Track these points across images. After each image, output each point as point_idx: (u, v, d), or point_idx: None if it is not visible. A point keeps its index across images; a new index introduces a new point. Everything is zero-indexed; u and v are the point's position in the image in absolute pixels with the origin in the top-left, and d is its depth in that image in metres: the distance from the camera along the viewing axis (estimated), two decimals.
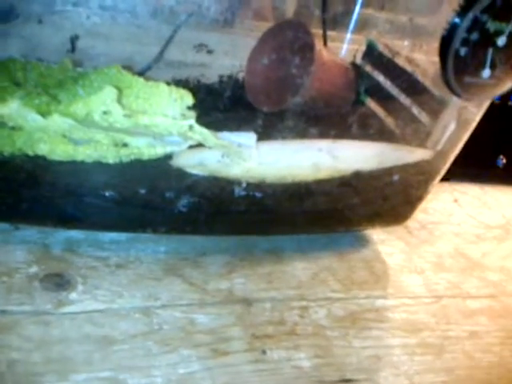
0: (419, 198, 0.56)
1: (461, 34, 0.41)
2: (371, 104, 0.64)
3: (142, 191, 0.46)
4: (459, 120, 0.53)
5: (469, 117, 0.52)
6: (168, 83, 0.48)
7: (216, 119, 0.55)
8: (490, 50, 0.42)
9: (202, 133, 0.44)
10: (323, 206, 0.52)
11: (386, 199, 0.54)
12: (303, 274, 0.51)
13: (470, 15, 0.40)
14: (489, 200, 0.77)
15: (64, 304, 0.42)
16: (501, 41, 0.42)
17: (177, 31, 0.62)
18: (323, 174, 0.50)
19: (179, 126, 0.44)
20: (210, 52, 0.66)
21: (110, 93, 0.42)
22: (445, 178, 0.76)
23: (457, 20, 0.41)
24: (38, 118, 0.43)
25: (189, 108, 0.49)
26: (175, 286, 0.47)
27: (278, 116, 0.57)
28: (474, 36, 0.41)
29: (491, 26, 0.41)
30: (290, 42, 0.63)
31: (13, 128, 0.43)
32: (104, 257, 0.48)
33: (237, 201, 0.48)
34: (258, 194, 0.48)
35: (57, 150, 0.44)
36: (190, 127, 0.43)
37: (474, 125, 0.52)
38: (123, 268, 0.47)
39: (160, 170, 0.47)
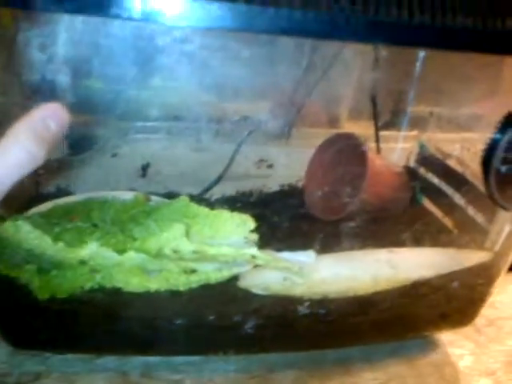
0: (482, 299, 0.56)
1: (500, 153, 0.43)
2: (428, 206, 0.66)
3: (211, 315, 0.48)
4: None
5: None
6: (232, 209, 0.52)
7: (276, 235, 0.57)
8: None
9: (263, 258, 0.47)
10: (386, 315, 0.53)
11: (448, 303, 0.54)
12: None
13: (508, 136, 0.42)
14: None
15: None
16: None
17: (237, 150, 0.67)
18: (383, 286, 0.51)
19: (243, 255, 0.47)
20: (269, 166, 0.71)
21: (179, 229, 0.46)
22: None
23: (495, 141, 0.43)
24: (115, 255, 0.47)
25: (251, 231, 0.52)
26: None
27: (335, 226, 0.59)
28: None
29: None
30: (342, 153, 0.67)
31: (92, 266, 0.48)
32: (178, 379, 0.50)
33: (301, 319, 0.50)
34: (322, 311, 0.50)
35: (132, 282, 0.48)
36: (253, 256, 0.46)
37: None
38: None
39: (227, 292, 0.49)
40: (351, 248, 0.54)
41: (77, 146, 0.62)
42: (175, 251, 0.46)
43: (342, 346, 0.54)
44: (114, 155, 0.65)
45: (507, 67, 0.50)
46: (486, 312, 0.64)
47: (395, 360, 0.56)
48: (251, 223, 0.52)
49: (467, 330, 0.61)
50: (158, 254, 0.47)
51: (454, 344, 0.59)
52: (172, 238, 0.46)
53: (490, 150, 0.43)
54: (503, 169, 0.44)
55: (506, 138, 0.43)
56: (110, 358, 0.51)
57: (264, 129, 0.68)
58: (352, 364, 0.54)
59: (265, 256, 0.47)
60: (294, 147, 0.71)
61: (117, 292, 0.48)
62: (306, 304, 0.49)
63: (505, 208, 0.47)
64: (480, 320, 0.63)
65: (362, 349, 0.56)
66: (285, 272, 0.49)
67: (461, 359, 0.57)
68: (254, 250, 0.46)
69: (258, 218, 0.53)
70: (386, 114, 0.73)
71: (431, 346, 0.59)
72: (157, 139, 0.66)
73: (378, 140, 0.72)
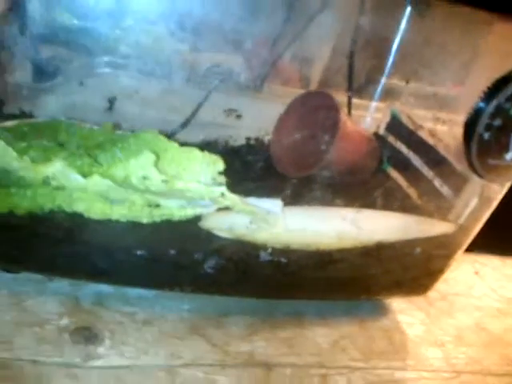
0: (440, 271, 0.57)
1: (485, 119, 0.43)
2: (394, 174, 0.66)
3: (172, 251, 0.48)
4: (482, 196, 0.54)
5: (491, 194, 0.54)
6: (201, 148, 0.51)
7: (244, 183, 0.57)
8: None
9: (232, 199, 0.47)
10: (345, 273, 0.53)
11: (407, 270, 0.55)
12: (324, 341, 0.52)
13: (494, 103, 0.42)
14: (509, 272, 0.77)
15: (92, 358, 0.43)
16: None
17: (208, 96, 0.66)
18: (346, 244, 0.51)
19: (211, 192, 0.46)
20: (238, 117, 0.69)
21: (148, 158, 0.45)
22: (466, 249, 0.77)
23: (481, 106, 0.43)
24: (79, 178, 0.45)
25: (220, 173, 0.51)
26: (198, 346, 0.48)
27: (303, 182, 0.59)
28: (497, 122, 0.43)
29: None
30: (316, 111, 0.66)
31: (55, 186, 0.46)
32: (131, 312, 0.49)
33: (262, 265, 0.49)
34: (283, 260, 0.50)
35: (94, 209, 0.47)
36: (222, 194, 0.45)
37: (496, 202, 0.54)
38: (149, 325, 0.48)
39: (189, 231, 0.49)
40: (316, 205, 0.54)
41: (43, 74, 0.60)
42: (144, 177, 0.45)
43: (298, 297, 0.55)
44: (80, 83, 0.63)
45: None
46: (439, 287, 0.65)
47: (347, 320, 0.56)
48: (221, 164, 0.50)
49: (419, 301, 0.63)
50: (125, 182, 0.46)
51: (405, 312, 0.61)
52: (140, 166, 0.45)
53: (475, 115, 0.43)
54: (486, 135, 0.44)
55: (493, 103, 0.43)
56: (63, 283, 0.50)
57: (236, 79, 0.67)
58: (305, 318, 0.55)
59: (233, 197, 0.46)
60: (265, 102, 0.70)
61: (77, 216, 0.46)
62: (268, 251, 0.49)
63: (481, 176, 0.47)
64: (433, 294, 0.65)
65: (314, 305, 0.56)
66: (251, 217, 0.48)
67: (411, 327, 0.59)
68: (223, 189, 0.46)
69: (225, 163, 0.52)
70: (359, 80, 0.73)
71: (383, 311, 0.60)
72: (126, 76, 0.64)
73: (350, 103, 0.71)
